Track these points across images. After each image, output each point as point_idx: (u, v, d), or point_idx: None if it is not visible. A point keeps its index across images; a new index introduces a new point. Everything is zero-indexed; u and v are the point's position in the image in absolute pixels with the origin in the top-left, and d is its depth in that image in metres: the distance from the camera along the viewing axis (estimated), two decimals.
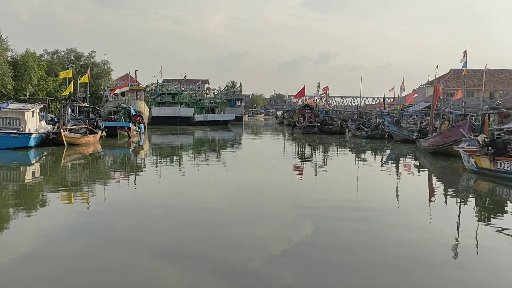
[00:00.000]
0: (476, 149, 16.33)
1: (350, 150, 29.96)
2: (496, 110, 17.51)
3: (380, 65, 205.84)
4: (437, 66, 35.69)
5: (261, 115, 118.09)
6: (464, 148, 17.13)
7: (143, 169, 19.71)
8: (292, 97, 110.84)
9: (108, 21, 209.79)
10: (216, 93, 72.48)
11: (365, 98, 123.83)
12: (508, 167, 14.04)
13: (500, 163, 14.40)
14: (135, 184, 15.38)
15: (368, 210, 11.19)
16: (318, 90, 53.95)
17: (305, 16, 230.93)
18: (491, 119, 17.82)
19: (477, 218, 10.94)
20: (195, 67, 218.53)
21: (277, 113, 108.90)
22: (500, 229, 9.80)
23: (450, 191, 14.75)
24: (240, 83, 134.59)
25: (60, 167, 19.18)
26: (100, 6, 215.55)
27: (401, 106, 45.97)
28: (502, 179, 14.64)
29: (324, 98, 59.39)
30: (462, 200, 13.18)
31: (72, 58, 56.13)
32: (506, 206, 12.37)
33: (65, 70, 43.78)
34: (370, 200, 12.68)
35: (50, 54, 54.93)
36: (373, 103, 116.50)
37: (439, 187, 15.87)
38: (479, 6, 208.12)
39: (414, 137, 26.66)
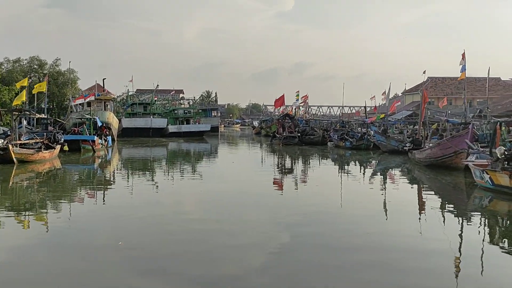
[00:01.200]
0: (487, 163, 14.26)
1: (335, 162, 27.77)
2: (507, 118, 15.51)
3: (354, 75, 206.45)
4: (424, 72, 33.53)
5: (238, 125, 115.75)
6: (474, 161, 14.98)
7: (110, 185, 17.45)
8: (268, 107, 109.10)
9: (82, 32, 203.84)
10: (190, 103, 69.63)
11: (341, 107, 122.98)
12: None
13: None
14: (103, 201, 13.78)
15: (368, 238, 8.94)
16: (298, 99, 51.82)
17: (280, 27, 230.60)
18: (503, 128, 15.82)
19: (500, 248, 8.87)
20: (170, 78, 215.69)
21: (254, 123, 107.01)
22: None
23: (460, 211, 12.52)
24: (216, 93, 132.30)
25: (8, 188, 16.19)
26: (74, 17, 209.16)
27: (384, 115, 44.31)
28: None
29: (303, 108, 57.44)
30: (477, 223, 11.04)
31: (35, 66, 52.55)
32: None
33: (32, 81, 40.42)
34: (365, 223, 10.40)
35: (11, 62, 51.33)
36: (349, 111, 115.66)
37: (445, 206, 13.65)
38: (450, 17, 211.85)
39: (406, 148, 24.47)
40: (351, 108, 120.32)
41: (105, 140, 32.81)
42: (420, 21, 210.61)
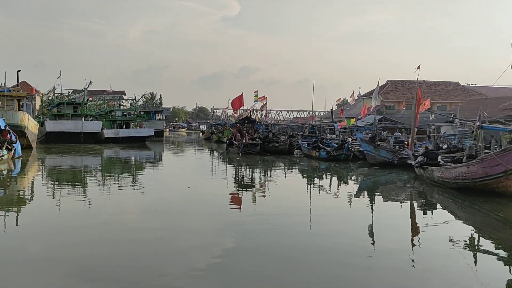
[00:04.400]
0: None
1: (319, 177, 21.84)
2: None
3: (297, 80, 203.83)
4: (418, 67, 28.07)
5: (184, 130, 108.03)
6: None
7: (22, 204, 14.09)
8: (217, 110, 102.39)
9: (16, 31, 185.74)
10: (132, 104, 60.57)
11: (290, 112, 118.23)
12: None
13: None
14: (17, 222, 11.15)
15: None
16: (256, 100, 45.63)
17: (225, 32, 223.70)
18: None
19: None
20: (112, 81, 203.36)
21: (201, 127, 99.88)
22: None
23: None
24: (160, 95, 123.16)
25: None
26: (5, 15, 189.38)
27: (354, 119, 39.21)
28: None
29: (262, 111, 51.32)
30: None
31: None
32: None
33: None
34: None
35: None
36: (298, 116, 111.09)
37: None
38: (390, 27, 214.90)
39: (414, 163, 18.78)
40: (300, 112, 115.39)
41: (10, 150, 24.56)
42: (359, 30, 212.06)
